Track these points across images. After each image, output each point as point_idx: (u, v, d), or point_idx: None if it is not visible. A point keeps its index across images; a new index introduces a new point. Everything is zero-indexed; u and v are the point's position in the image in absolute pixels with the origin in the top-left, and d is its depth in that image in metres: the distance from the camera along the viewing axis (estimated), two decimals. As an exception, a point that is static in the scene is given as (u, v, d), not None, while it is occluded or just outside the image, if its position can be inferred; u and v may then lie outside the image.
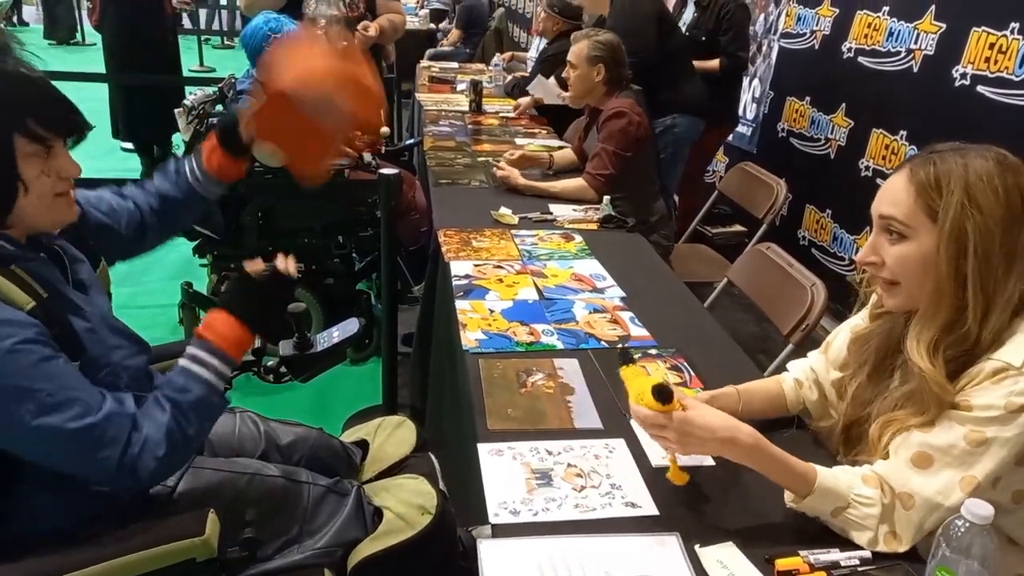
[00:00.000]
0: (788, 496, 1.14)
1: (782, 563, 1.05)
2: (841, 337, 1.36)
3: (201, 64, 8.90)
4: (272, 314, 1.27)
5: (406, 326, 2.83)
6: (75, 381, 1.05)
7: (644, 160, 2.76)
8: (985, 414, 1.04)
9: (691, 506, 1.12)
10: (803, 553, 1.06)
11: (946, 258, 1.06)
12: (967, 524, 0.89)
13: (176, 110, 3.10)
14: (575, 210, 2.59)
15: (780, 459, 1.11)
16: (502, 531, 1.12)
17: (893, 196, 1.11)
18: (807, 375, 1.41)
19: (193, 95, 3.06)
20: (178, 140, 5.05)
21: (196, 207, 1.47)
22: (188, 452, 1.18)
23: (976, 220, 1.04)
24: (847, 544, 1.09)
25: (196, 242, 2.95)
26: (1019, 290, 1.06)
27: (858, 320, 1.32)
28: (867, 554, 1.08)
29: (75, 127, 1.13)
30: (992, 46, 2.57)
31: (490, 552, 1.06)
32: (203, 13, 11.69)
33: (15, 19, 11.73)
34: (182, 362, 1.16)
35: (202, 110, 3.02)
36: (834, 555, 1.07)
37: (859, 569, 1.06)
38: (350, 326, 1.56)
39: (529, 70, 4.58)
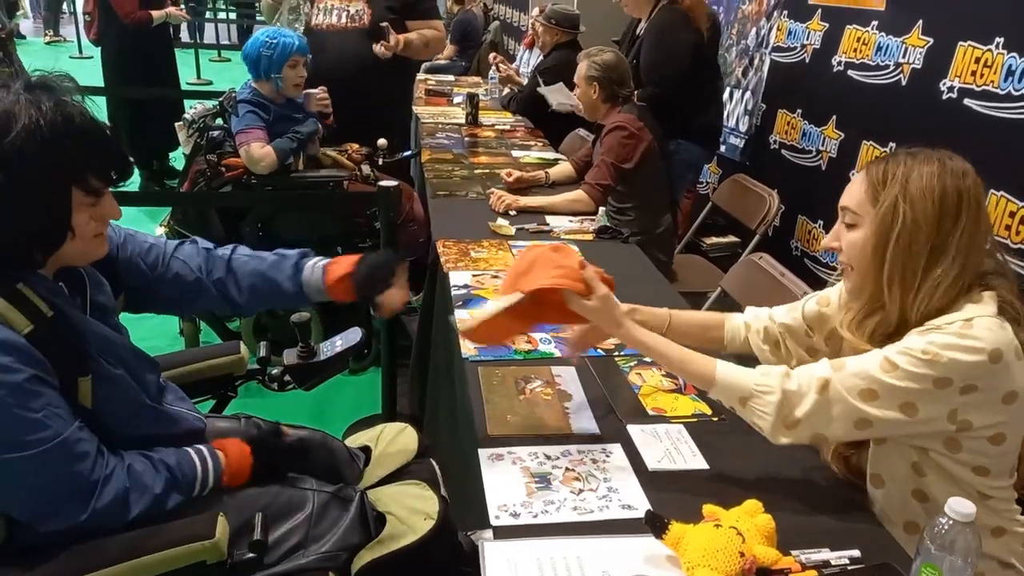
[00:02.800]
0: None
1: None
2: (812, 301, 1.46)
3: (198, 77, 8.95)
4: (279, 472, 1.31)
5: (405, 336, 2.86)
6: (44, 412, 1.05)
7: (651, 172, 2.81)
8: (903, 347, 1.13)
9: (685, 508, 1.15)
10: (794, 553, 1.10)
11: (872, 243, 1.18)
12: (950, 522, 0.93)
13: (176, 123, 3.14)
14: (571, 221, 2.63)
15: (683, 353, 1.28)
16: (503, 533, 1.15)
17: (850, 190, 1.25)
18: (761, 323, 1.48)
19: (193, 109, 3.10)
20: (176, 154, 5.09)
21: (289, 302, 1.55)
22: (125, 510, 1.13)
23: (905, 213, 1.14)
24: (837, 544, 1.13)
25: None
26: (953, 277, 1.14)
27: (825, 292, 1.43)
28: (856, 553, 1.11)
29: (127, 176, 1.16)
30: (978, 60, 2.62)
31: (493, 552, 1.10)
32: (209, 27, 11.73)
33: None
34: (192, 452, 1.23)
35: (202, 123, 3.06)
36: (824, 555, 1.11)
37: (849, 568, 1.09)
38: (352, 335, 1.59)
39: (526, 82, 4.60)
